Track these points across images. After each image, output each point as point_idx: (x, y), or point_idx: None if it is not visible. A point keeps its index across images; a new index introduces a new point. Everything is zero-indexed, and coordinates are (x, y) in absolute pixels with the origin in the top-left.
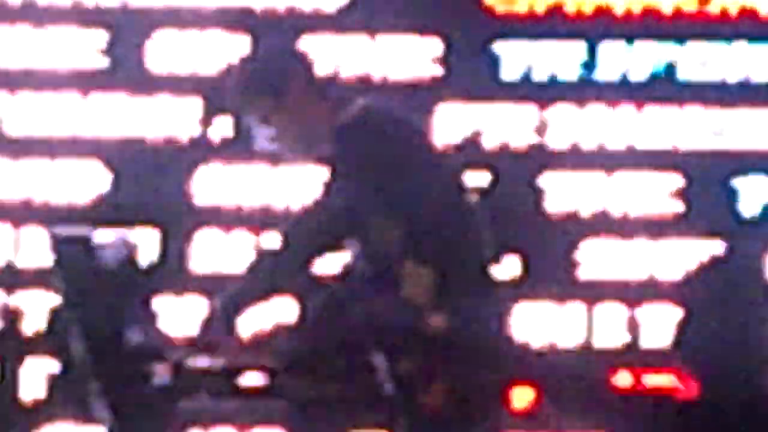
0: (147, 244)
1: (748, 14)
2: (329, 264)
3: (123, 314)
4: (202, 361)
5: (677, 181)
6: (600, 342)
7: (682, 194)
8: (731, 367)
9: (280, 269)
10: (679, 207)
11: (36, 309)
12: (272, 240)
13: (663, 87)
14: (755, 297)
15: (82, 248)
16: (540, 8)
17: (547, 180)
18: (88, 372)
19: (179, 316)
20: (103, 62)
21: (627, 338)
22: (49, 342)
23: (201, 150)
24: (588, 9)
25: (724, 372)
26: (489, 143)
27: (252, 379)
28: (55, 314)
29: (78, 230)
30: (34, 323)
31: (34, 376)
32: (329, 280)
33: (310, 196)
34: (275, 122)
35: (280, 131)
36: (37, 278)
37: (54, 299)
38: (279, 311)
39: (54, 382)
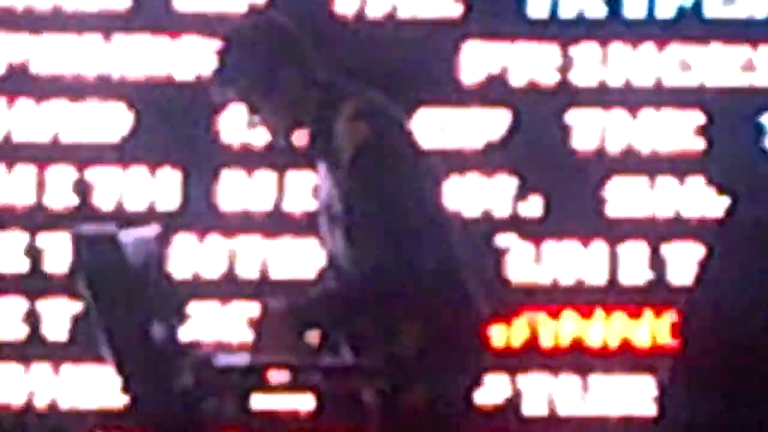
0: (172, 184)
1: None
2: None
3: (148, 311)
4: (226, 360)
5: (702, 118)
6: (624, 280)
7: (705, 132)
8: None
9: None
10: (703, 144)
11: (60, 251)
12: None
13: (689, 24)
14: None
15: (107, 246)
16: None
17: (572, 118)
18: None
19: (203, 256)
20: (127, 2)
21: (650, 276)
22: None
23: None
24: None
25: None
26: (514, 81)
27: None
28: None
29: (102, 228)
30: (57, 265)
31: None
32: None
33: None
34: (263, 113)
35: (268, 122)
36: (62, 219)
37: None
38: None
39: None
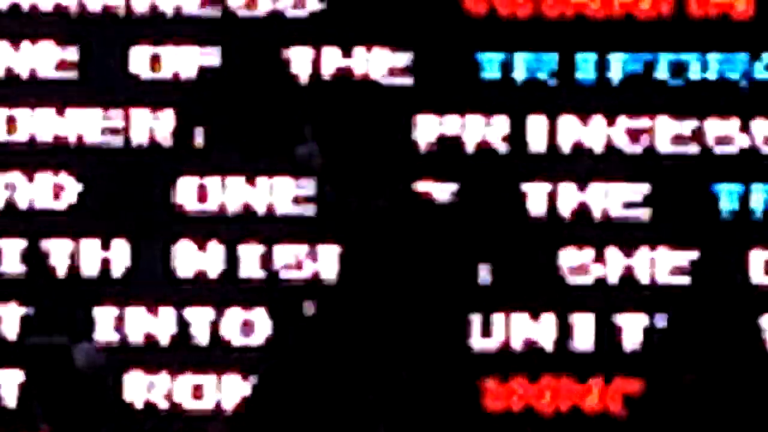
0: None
1: (719, 25)
2: None
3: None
4: None
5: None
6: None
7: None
8: None
9: None
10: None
11: (11, 321)
12: None
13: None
14: None
15: (56, 355)
16: (521, 13)
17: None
18: None
19: (155, 325)
20: (74, 74)
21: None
22: None
23: (176, 160)
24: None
25: None
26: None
27: None
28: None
29: (51, 339)
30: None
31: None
32: None
33: None
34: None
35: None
36: (13, 289)
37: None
38: None
39: None
